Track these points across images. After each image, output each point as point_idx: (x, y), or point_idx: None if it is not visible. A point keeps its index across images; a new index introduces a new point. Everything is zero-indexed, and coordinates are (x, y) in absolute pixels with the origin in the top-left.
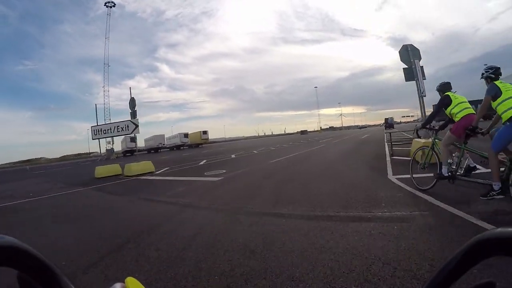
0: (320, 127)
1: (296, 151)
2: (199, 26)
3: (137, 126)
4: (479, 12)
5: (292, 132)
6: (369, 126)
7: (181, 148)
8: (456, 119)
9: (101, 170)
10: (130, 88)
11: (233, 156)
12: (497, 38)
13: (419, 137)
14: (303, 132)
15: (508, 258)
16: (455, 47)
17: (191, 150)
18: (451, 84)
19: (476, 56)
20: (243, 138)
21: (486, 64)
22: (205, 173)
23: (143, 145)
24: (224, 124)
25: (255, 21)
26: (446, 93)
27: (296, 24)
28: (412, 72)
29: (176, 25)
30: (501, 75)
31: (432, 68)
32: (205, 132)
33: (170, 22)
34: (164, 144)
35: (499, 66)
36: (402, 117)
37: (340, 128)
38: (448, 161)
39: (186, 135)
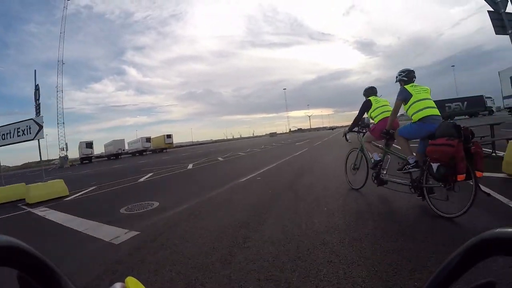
0: (290, 129)
1: (276, 158)
2: (167, 29)
3: (41, 127)
4: (443, 18)
5: (261, 134)
6: (338, 127)
7: (144, 153)
8: (375, 122)
9: None
10: (35, 71)
11: (190, 166)
12: (459, 43)
13: (347, 140)
14: (273, 135)
15: (508, 258)
16: (420, 51)
17: (152, 156)
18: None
19: (439, 60)
20: (211, 142)
21: (453, 66)
22: (122, 210)
23: (104, 151)
24: (192, 127)
25: (224, 25)
26: (368, 98)
27: (264, 28)
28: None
29: (144, 27)
30: (415, 78)
31: (397, 71)
32: (169, 136)
33: (138, 25)
34: (124, 150)
35: (412, 69)
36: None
37: (309, 130)
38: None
39: (148, 140)
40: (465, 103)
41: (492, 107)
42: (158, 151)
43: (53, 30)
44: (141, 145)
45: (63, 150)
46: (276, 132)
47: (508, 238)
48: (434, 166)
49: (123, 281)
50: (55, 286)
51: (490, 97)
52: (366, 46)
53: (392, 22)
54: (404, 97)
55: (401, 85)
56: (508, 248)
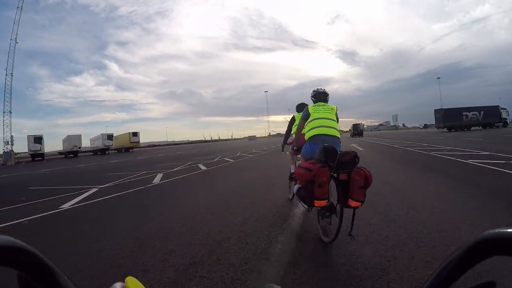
0: (269, 133)
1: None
2: (152, 25)
3: None
4: (425, 33)
5: (239, 137)
6: None
7: (107, 152)
8: (293, 137)
9: None
10: None
11: (158, 179)
12: (440, 57)
13: (283, 151)
14: (252, 138)
15: (508, 258)
16: (400, 63)
17: (114, 156)
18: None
19: (419, 73)
20: (188, 142)
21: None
22: None
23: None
24: (170, 126)
25: (209, 26)
26: (294, 114)
27: (249, 31)
28: None
29: (128, 22)
30: (328, 96)
31: (378, 81)
32: (135, 134)
33: (122, 19)
34: (80, 147)
35: (322, 90)
36: (354, 124)
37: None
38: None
39: (110, 137)
40: (482, 112)
41: (506, 118)
42: (124, 150)
43: (36, 19)
44: (101, 142)
45: (8, 144)
46: (255, 136)
47: (508, 238)
48: (296, 187)
49: (123, 281)
50: (55, 286)
51: (505, 108)
52: (348, 56)
53: (375, 34)
54: (304, 116)
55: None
56: (508, 248)
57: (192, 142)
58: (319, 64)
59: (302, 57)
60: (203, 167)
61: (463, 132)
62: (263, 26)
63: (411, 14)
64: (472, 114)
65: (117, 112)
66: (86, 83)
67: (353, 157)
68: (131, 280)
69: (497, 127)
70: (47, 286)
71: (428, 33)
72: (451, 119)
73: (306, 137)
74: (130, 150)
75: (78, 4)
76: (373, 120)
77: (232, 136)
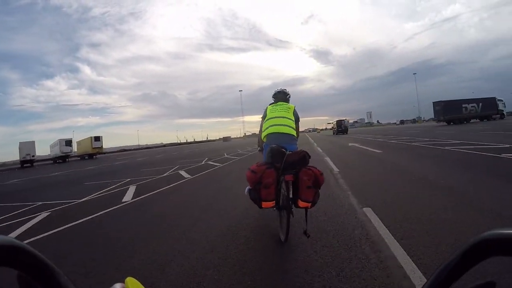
0: (245, 134)
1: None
2: (125, 27)
3: None
4: (397, 32)
5: (214, 138)
6: None
7: (67, 160)
8: None
9: None
10: None
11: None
12: (411, 56)
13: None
14: (226, 139)
15: (508, 258)
16: (374, 62)
17: (71, 165)
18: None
19: (391, 71)
20: (161, 146)
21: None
22: None
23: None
24: (144, 130)
25: (183, 27)
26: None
27: (223, 32)
28: None
29: (101, 23)
30: (288, 96)
31: (351, 80)
32: (97, 139)
33: (95, 20)
34: (34, 156)
35: (281, 90)
36: (328, 123)
37: None
38: None
39: (68, 143)
40: (480, 104)
41: (503, 110)
42: (87, 156)
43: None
44: (59, 149)
45: None
46: (230, 137)
47: (508, 238)
48: (246, 189)
49: (123, 281)
50: (55, 286)
51: (501, 100)
52: (322, 55)
53: (348, 33)
54: (263, 116)
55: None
56: (508, 248)
57: (165, 146)
58: (293, 64)
59: (276, 57)
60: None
61: (463, 125)
62: (237, 27)
63: (383, 14)
64: (471, 106)
65: (90, 116)
66: (58, 87)
67: (302, 157)
68: (131, 281)
69: (494, 119)
70: (47, 286)
71: (400, 32)
72: (451, 111)
73: (262, 137)
74: (94, 156)
75: (50, 5)
76: (347, 118)
77: (207, 138)
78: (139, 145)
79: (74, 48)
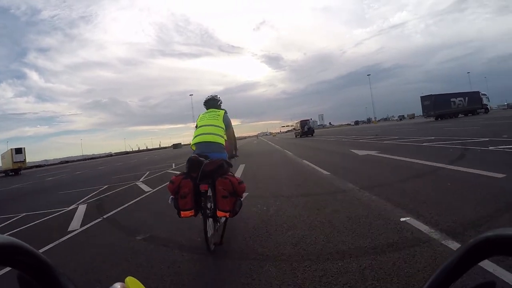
0: None
1: None
2: (75, 31)
3: None
4: (346, 38)
5: (166, 146)
6: (246, 137)
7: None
8: None
9: None
10: None
11: None
12: (360, 60)
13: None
14: (176, 146)
15: (508, 258)
16: (324, 66)
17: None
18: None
19: (341, 75)
20: (108, 155)
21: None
22: None
23: None
24: (93, 139)
25: (134, 32)
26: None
27: (175, 37)
28: None
29: (51, 27)
30: (219, 102)
31: (303, 84)
32: (18, 151)
33: (44, 24)
34: None
35: (211, 96)
36: (282, 127)
37: None
38: None
39: (19, 151)
40: (466, 98)
41: (487, 104)
42: (11, 173)
43: None
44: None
45: None
46: (180, 143)
47: (508, 238)
48: (170, 198)
49: (123, 281)
50: (55, 286)
51: (485, 94)
52: (273, 60)
53: (299, 39)
54: (196, 124)
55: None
56: (508, 248)
57: (112, 155)
58: (246, 69)
59: (228, 62)
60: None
61: (452, 120)
62: (190, 32)
63: (334, 20)
64: (459, 100)
65: (38, 126)
66: (4, 94)
67: (219, 166)
68: (131, 280)
69: (479, 113)
70: (47, 285)
71: (349, 38)
72: (440, 106)
73: (191, 146)
74: (19, 172)
75: None
76: (296, 122)
77: (160, 145)
78: (83, 155)
79: (21, 53)
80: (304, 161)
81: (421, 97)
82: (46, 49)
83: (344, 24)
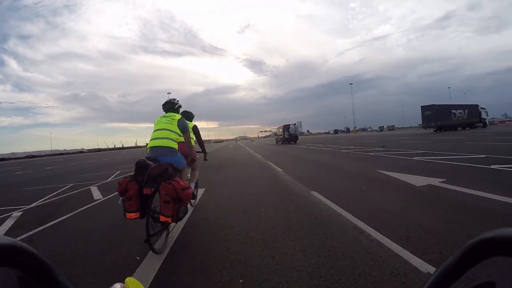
0: None
1: None
2: (58, 19)
3: None
4: (329, 47)
5: (143, 145)
6: (226, 140)
7: None
8: None
9: None
10: None
11: None
12: (341, 70)
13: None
14: None
15: (508, 258)
16: (305, 74)
17: None
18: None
19: (322, 83)
20: (79, 152)
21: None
22: None
23: None
24: (69, 133)
25: (118, 25)
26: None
27: (159, 34)
28: None
29: (33, 14)
30: (176, 106)
31: (283, 90)
32: None
33: (27, 10)
34: None
35: (170, 100)
36: (260, 131)
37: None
38: None
39: None
40: (466, 111)
41: (485, 118)
42: None
43: None
44: None
45: None
46: None
47: (508, 238)
48: (120, 200)
49: (123, 281)
50: (55, 286)
51: (484, 108)
52: (255, 65)
53: (283, 45)
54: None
55: None
56: (508, 248)
57: (83, 152)
58: (227, 72)
59: (210, 63)
60: None
61: (454, 133)
62: (174, 30)
63: (317, 29)
64: (459, 113)
65: (13, 116)
66: None
67: (163, 171)
68: (131, 281)
69: (477, 127)
70: (47, 286)
71: (332, 47)
72: (441, 117)
73: (146, 149)
74: None
75: None
76: (277, 127)
77: (136, 144)
78: (52, 150)
79: (1, 38)
80: (315, 194)
81: (421, 106)
82: (27, 37)
83: (328, 33)
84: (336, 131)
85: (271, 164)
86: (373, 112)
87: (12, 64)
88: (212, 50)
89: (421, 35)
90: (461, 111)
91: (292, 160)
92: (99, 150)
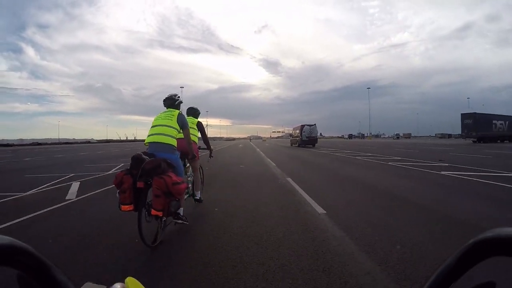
0: None
1: None
2: (77, 11)
3: None
4: (346, 51)
5: None
6: (236, 139)
7: None
8: None
9: None
10: None
11: None
12: (357, 75)
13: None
14: None
15: (508, 258)
16: (320, 77)
17: None
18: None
19: (336, 87)
20: (85, 142)
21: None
22: None
23: None
24: (82, 123)
25: (136, 20)
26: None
27: (176, 30)
28: None
29: (52, 4)
30: (176, 102)
31: (297, 92)
32: None
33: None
34: None
35: (171, 95)
36: (273, 132)
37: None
38: None
39: None
40: (507, 123)
41: None
42: None
43: None
44: None
45: None
46: None
47: (508, 238)
48: (117, 192)
49: (123, 281)
50: (55, 286)
51: None
52: (271, 65)
53: (299, 47)
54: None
55: None
56: (508, 248)
57: (89, 142)
58: (242, 70)
59: (226, 61)
60: None
61: (496, 145)
62: (191, 27)
63: (335, 33)
64: (500, 124)
65: (29, 103)
66: None
67: (156, 165)
68: (131, 281)
69: None
70: (47, 286)
71: (348, 52)
72: (482, 127)
73: (145, 143)
74: None
75: None
76: (289, 128)
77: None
78: (59, 139)
79: (20, 26)
80: None
81: (462, 114)
82: (45, 26)
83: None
84: (350, 136)
85: (294, 184)
86: (387, 119)
87: (30, 52)
88: (228, 48)
89: (439, 45)
90: (502, 122)
91: (325, 177)
92: (108, 141)
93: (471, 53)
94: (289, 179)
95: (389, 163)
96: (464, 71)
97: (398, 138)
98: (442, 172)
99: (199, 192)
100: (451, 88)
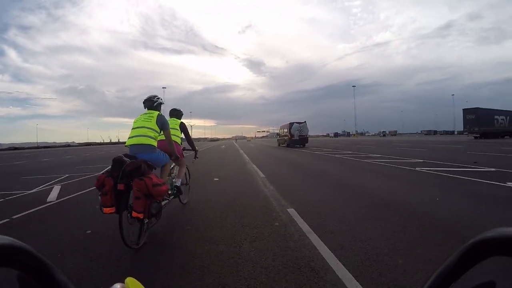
0: None
1: None
2: (59, 12)
3: None
4: (329, 51)
5: None
6: (222, 139)
7: None
8: None
9: None
10: None
11: None
12: (340, 74)
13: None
14: None
15: (508, 258)
16: (304, 76)
17: None
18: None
19: (320, 87)
20: (65, 146)
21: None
22: None
23: None
24: (66, 126)
25: (120, 20)
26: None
27: (160, 31)
28: None
29: (35, 5)
30: (155, 103)
31: (281, 91)
32: None
33: (30, 1)
34: None
35: (150, 96)
36: (257, 132)
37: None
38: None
39: None
40: (508, 118)
41: None
42: None
43: None
44: None
45: None
46: None
47: (508, 238)
48: (100, 196)
49: (123, 282)
50: (55, 286)
51: None
52: (255, 65)
53: (283, 46)
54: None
55: None
56: (508, 248)
57: (69, 145)
58: (226, 71)
59: (210, 62)
60: None
61: (499, 141)
62: (175, 28)
63: (319, 32)
64: (501, 119)
65: (11, 106)
66: None
67: (137, 167)
68: (131, 281)
69: None
70: (46, 286)
71: (332, 51)
72: (484, 122)
73: (126, 145)
74: None
75: None
76: (274, 128)
77: None
78: (37, 143)
79: (2, 28)
80: None
81: (464, 109)
82: (28, 27)
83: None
84: (336, 134)
85: (305, 230)
86: (371, 117)
87: (11, 54)
88: (212, 49)
89: (421, 44)
90: (503, 117)
91: (348, 198)
92: (88, 144)
93: (453, 51)
94: (292, 212)
95: (416, 168)
96: (446, 69)
97: (384, 135)
98: (508, 184)
99: (180, 180)
100: (433, 86)
